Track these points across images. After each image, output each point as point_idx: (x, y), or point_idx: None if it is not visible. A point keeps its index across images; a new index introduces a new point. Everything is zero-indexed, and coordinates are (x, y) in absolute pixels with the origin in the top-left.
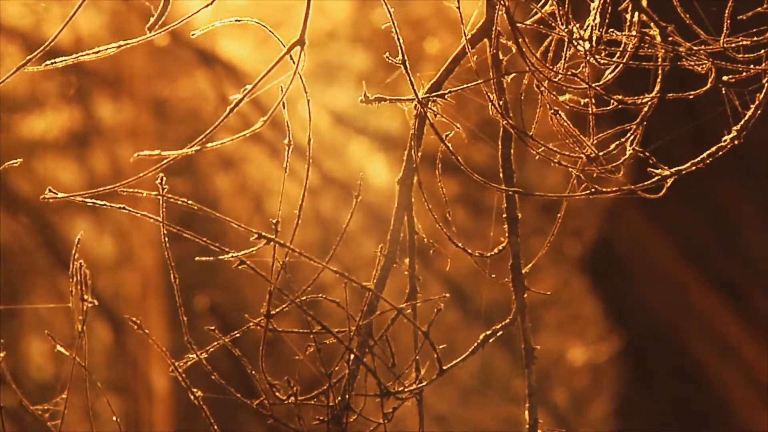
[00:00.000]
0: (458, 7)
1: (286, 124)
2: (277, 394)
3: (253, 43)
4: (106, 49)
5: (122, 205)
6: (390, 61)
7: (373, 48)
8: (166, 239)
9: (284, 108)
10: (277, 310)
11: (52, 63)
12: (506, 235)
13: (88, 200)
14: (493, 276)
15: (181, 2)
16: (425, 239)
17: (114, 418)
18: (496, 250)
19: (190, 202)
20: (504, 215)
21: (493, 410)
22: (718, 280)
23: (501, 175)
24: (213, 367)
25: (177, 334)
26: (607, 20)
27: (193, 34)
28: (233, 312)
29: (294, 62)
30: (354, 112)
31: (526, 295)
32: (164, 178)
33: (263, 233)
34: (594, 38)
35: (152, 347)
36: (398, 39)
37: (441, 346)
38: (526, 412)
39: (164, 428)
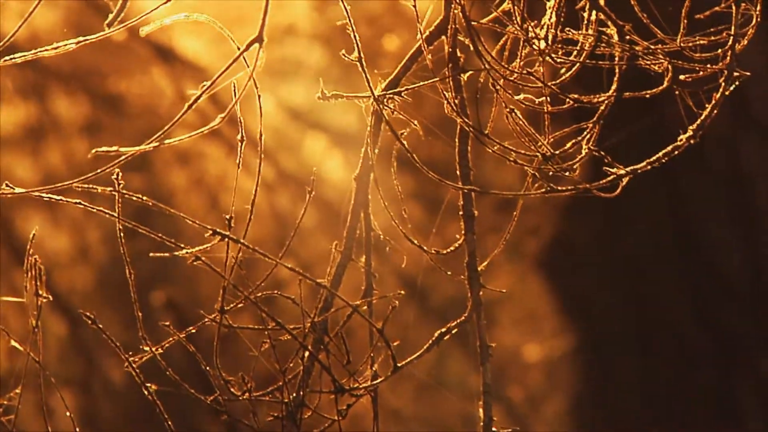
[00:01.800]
0: (414, 5)
1: (239, 120)
2: (231, 390)
3: (211, 39)
4: (65, 45)
5: (78, 201)
6: (346, 59)
7: (330, 45)
8: (122, 235)
9: (238, 105)
10: (231, 306)
11: (10, 59)
12: (462, 232)
13: (45, 196)
14: (449, 273)
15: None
16: (381, 236)
17: (67, 414)
18: (452, 248)
19: (145, 198)
20: (460, 212)
21: (448, 407)
22: (676, 276)
23: (458, 172)
24: (169, 364)
25: (133, 329)
26: (563, 19)
27: (143, 30)
28: (189, 307)
29: (251, 60)
30: (310, 107)
31: (481, 293)
32: (120, 174)
33: (217, 229)
34: (550, 37)
35: (107, 342)
36: (355, 36)
37: (395, 343)
38: (481, 410)
39: (119, 424)
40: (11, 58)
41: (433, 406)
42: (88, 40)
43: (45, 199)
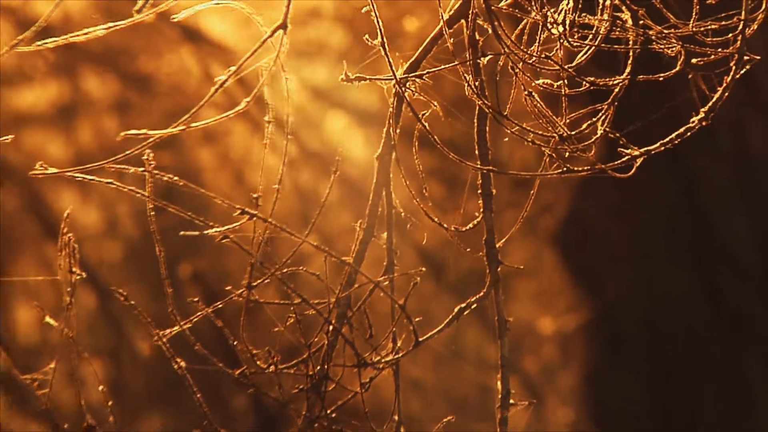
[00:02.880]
0: None
1: (267, 104)
2: (258, 363)
3: (238, 21)
4: (95, 31)
5: (110, 180)
6: (369, 43)
7: (351, 27)
8: (153, 213)
9: (265, 88)
10: (258, 282)
11: (43, 43)
12: (481, 210)
13: (78, 176)
14: (468, 250)
15: None
16: (402, 214)
17: (100, 388)
18: (471, 225)
19: (175, 177)
20: (479, 191)
21: (465, 378)
22: (687, 255)
23: (476, 152)
24: (196, 337)
25: (160, 301)
26: (580, 4)
27: (174, 17)
28: (215, 281)
29: (276, 44)
30: (332, 87)
31: (499, 269)
32: (151, 155)
33: (245, 208)
34: (567, 22)
35: (136, 315)
36: (377, 20)
37: (417, 318)
38: (499, 383)
39: (149, 395)
40: (44, 43)
41: (451, 377)
42: (117, 26)
43: (78, 178)
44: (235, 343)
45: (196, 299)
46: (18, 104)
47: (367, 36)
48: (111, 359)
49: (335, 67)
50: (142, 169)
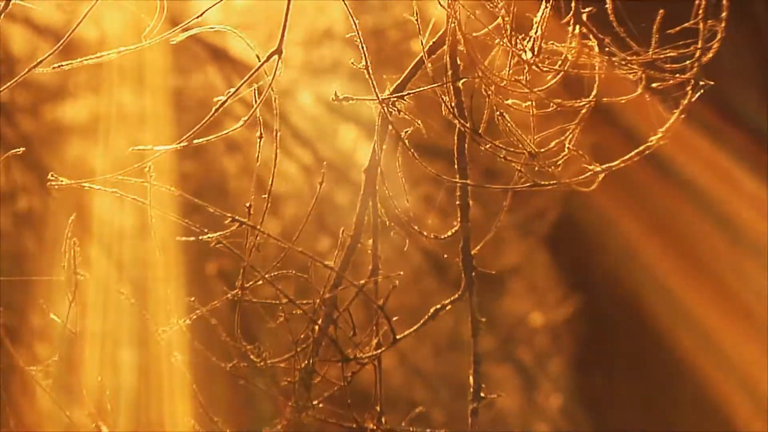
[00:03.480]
0: (417, 20)
1: (259, 123)
2: (251, 357)
3: (259, 40)
4: (127, 50)
5: (114, 189)
6: (354, 66)
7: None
8: (154, 220)
9: (256, 104)
10: (250, 284)
11: (80, 61)
12: (458, 220)
13: (90, 185)
14: (445, 256)
15: (193, 2)
16: (387, 222)
17: (98, 378)
18: (448, 234)
19: (173, 188)
20: (457, 203)
21: (462, 365)
22: (672, 247)
23: (456, 167)
24: (201, 333)
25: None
26: (546, 33)
27: (178, 36)
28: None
29: (278, 66)
30: (345, 101)
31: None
32: (152, 168)
33: (236, 216)
34: (535, 49)
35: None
36: (362, 48)
37: (395, 318)
38: (471, 378)
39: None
40: (81, 60)
41: (449, 364)
42: (145, 45)
43: (93, 188)
44: (228, 339)
45: (192, 299)
46: (61, 117)
47: (352, 60)
48: (140, 346)
49: (348, 83)
50: (142, 180)
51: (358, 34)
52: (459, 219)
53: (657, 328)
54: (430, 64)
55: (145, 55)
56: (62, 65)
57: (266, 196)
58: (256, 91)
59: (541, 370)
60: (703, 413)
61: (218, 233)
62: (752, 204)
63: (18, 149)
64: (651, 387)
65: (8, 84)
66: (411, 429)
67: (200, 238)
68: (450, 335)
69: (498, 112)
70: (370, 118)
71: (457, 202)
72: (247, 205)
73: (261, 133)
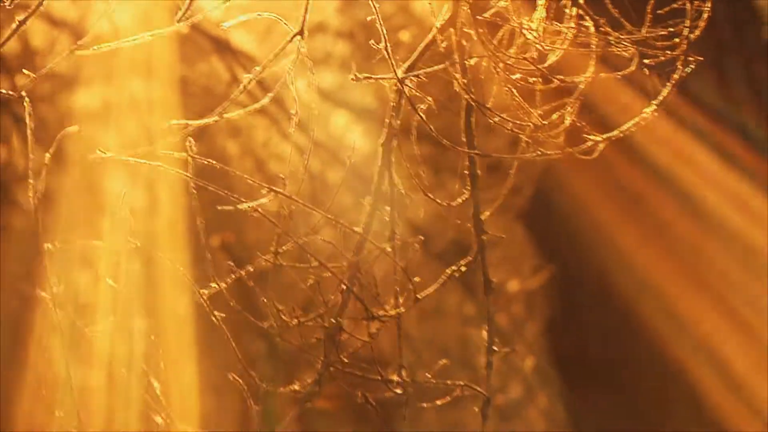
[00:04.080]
0: (430, 3)
1: (294, 100)
2: (282, 317)
3: (259, 33)
4: (136, 39)
5: (159, 163)
6: (374, 47)
7: (352, 38)
8: (194, 191)
9: (289, 87)
10: (283, 249)
11: (97, 48)
12: (468, 188)
13: (131, 159)
14: (458, 221)
15: None
16: (403, 191)
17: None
18: (459, 200)
19: (213, 162)
20: (466, 171)
21: (447, 330)
22: (637, 224)
23: (464, 139)
24: (227, 298)
25: (196, 267)
26: (551, 14)
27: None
28: (240, 250)
29: (293, 49)
30: (337, 89)
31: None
32: (193, 141)
33: (272, 187)
34: (540, 29)
35: (178, 278)
36: (382, 29)
37: (416, 278)
38: (485, 333)
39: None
40: (97, 48)
41: (435, 329)
42: (156, 34)
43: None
44: (264, 300)
45: (231, 262)
46: (76, 103)
47: (372, 41)
48: (155, 316)
49: (339, 73)
50: (184, 154)
51: (378, 16)
52: (470, 187)
53: (622, 297)
54: (442, 43)
55: (154, 47)
56: (82, 52)
57: (290, 167)
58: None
59: (517, 333)
60: (664, 371)
61: (255, 201)
62: (717, 184)
63: (73, 126)
64: (616, 349)
65: (38, 73)
66: (432, 379)
67: (237, 206)
68: (437, 304)
69: (506, 88)
70: (358, 104)
71: (466, 172)
72: (282, 176)
73: (294, 113)
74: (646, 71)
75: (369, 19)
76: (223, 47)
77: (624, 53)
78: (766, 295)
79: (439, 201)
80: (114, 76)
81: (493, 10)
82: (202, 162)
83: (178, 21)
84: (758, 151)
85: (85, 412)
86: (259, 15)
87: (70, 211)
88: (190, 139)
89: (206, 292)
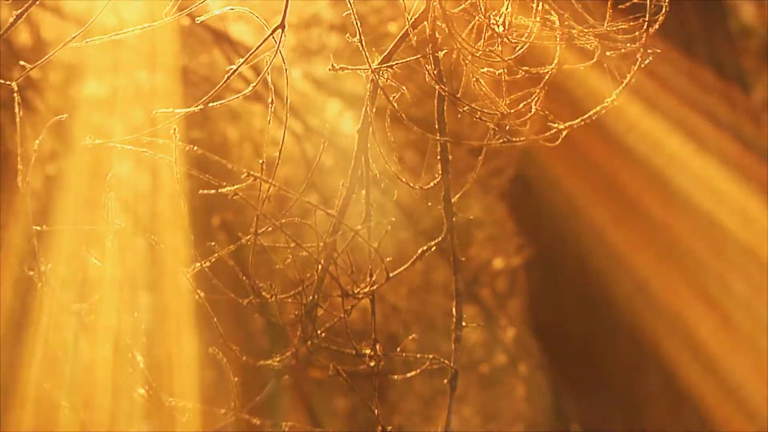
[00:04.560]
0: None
1: (271, 90)
2: (263, 293)
3: (257, 25)
4: (134, 30)
5: (145, 149)
6: (349, 40)
7: (344, 30)
8: (180, 176)
9: (269, 76)
10: (263, 230)
11: (104, 38)
12: (440, 172)
13: (122, 145)
14: (429, 204)
15: None
16: (378, 175)
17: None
18: (431, 184)
19: (196, 147)
20: (438, 157)
21: (434, 304)
22: (613, 204)
23: (436, 126)
24: (220, 275)
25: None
26: (517, 8)
27: (198, 20)
28: (239, 228)
29: (282, 42)
30: (329, 78)
31: (454, 219)
32: (176, 129)
33: (251, 171)
34: (506, 23)
35: (178, 257)
36: (356, 24)
37: (388, 258)
38: (454, 309)
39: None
40: (100, 38)
41: (423, 303)
42: (152, 26)
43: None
44: (244, 278)
45: (213, 243)
46: (83, 92)
47: (348, 34)
48: (152, 291)
49: (330, 63)
50: (169, 140)
51: (353, 12)
52: (441, 171)
53: (599, 272)
54: (414, 37)
55: (157, 38)
56: (85, 43)
57: (282, 151)
58: (263, 62)
59: (500, 307)
60: (637, 342)
61: (234, 186)
62: (687, 165)
63: (62, 115)
64: (593, 321)
65: (42, 60)
66: (402, 353)
67: (219, 190)
68: (423, 278)
69: (474, 78)
70: (349, 92)
71: (438, 157)
72: (260, 161)
73: (272, 99)
74: (606, 65)
75: (344, 14)
76: (221, 39)
77: (587, 46)
78: (734, 270)
79: (411, 184)
80: (119, 66)
81: (462, 6)
82: (191, 148)
83: (171, 14)
84: (725, 133)
85: (77, 387)
86: (231, 9)
87: (77, 194)
88: (175, 127)
89: (189, 271)
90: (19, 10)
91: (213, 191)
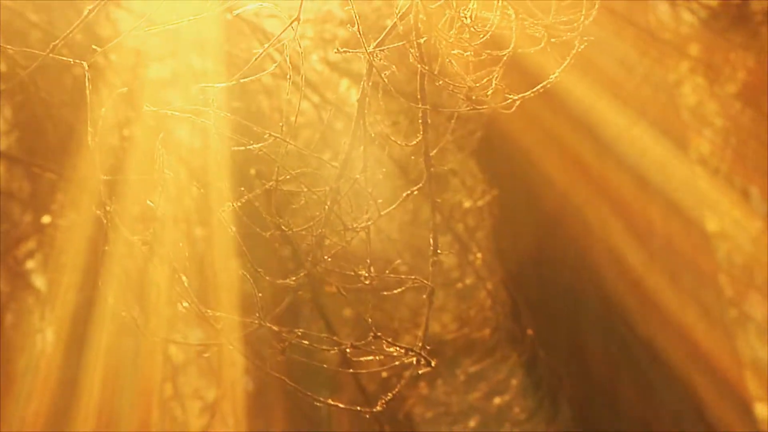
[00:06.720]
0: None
1: (290, 69)
2: (283, 227)
3: (288, 18)
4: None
5: (193, 116)
6: (349, 29)
7: (352, 22)
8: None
9: (288, 59)
10: (282, 178)
11: (163, 26)
12: (422, 133)
13: (178, 114)
14: (413, 157)
15: None
16: (373, 135)
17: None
18: (414, 142)
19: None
20: (420, 120)
21: (420, 236)
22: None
23: (418, 96)
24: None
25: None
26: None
27: (235, 12)
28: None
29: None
30: (341, 60)
31: (433, 170)
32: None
33: (272, 132)
34: (473, 16)
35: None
36: (356, 17)
37: (380, 200)
38: (431, 239)
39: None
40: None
41: (411, 235)
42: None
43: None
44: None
45: (242, 189)
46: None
47: (348, 24)
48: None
49: (336, 47)
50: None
51: (352, 5)
52: (422, 132)
53: (548, 208)
54: (401, 27)
55: (205, 29)
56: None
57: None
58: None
59: (470, 238)
60: (581, 264)
61: (260, 144)
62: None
63: (123, 88)
64: (544, 246)
65: (110, 44)
66: (391, 275)
67: (248, 147)
68: (411, 215)
69: (448, 60)
70: (357, 72)
71: (420, 120)
72: (280, 124)
73: (291, 76)
74: (550, 49)
75: (346, 9)
76: (257, 30)
77: (536, 34)
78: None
79: (399, 143)
80: (176, 51)
81: (438, 3)
82: (227, 115)
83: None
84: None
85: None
86: (261, 5)
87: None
88: (215, 97)
89: (225, 209)
90: (92, 5)
91: (244, 148)
